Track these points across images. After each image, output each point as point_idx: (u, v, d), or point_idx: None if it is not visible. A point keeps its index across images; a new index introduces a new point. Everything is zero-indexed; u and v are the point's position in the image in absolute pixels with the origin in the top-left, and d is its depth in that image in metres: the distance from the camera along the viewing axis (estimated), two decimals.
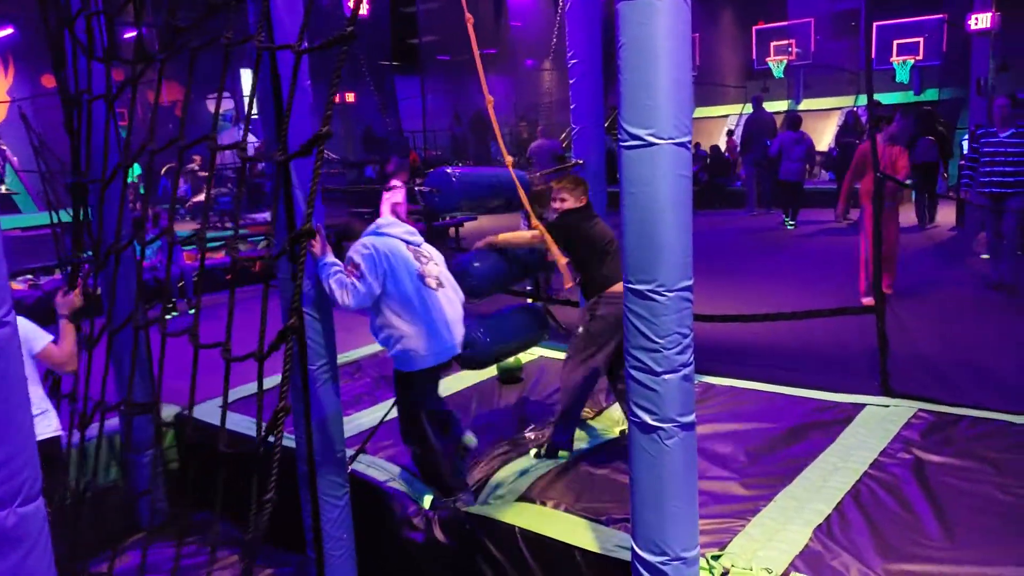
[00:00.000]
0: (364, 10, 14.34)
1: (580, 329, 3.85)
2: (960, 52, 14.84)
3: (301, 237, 2.38)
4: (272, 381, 2.62)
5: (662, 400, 2.39)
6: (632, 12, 2.25)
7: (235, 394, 4.45)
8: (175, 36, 2.86)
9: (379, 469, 3.80)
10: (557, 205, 3.97)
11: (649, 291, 2.33)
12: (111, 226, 3.53)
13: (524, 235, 4.08)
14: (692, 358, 2.44)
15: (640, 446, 2.47)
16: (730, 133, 16.11)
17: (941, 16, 16.76)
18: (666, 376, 2.37)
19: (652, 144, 2.29)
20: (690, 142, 2.37)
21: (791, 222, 11.51)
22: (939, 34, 16.71)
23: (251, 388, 4.32)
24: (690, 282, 2.39)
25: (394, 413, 4.19)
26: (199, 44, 2.73)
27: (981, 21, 10.66)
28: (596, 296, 3.84)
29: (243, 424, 4.17)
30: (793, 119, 11.58)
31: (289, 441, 3.60)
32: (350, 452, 3.70)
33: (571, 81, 4.82)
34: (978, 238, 8.24)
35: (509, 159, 3.93)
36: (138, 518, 4.07)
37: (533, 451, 3.91)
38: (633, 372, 2.43)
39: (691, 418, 2.45)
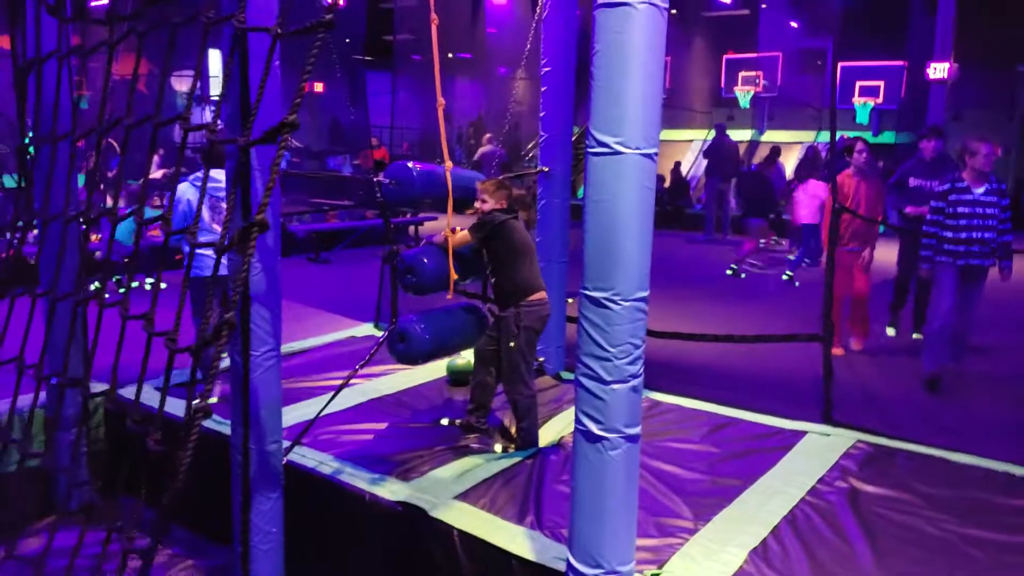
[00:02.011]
0: (341, 0, 14.19)
1: (511, 344, 3.85)
2: (917, 98, 15.33)
3: (252, 229, 2.25)
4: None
5: (609, 409, 2.37)
6: (609, 19, 2.24)
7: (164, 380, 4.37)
8: (147, 8, 2.75)
9: (316, 460, 3.71)
10: (478, 205, 3.97)
11: (605, 299, 2.32)
12: (58, 196, 3.40)
13: (467, 235, 4.01)
14: (642, 370, 2.43)
15: (584, 454, 2.45)
16: (677, 164, 16.45)
17: (902, 63, 17.31)
18: (615, 386, 2.35)
19: (619, 153, 2.28)
20: (656, 155, 2.36)
21: (775, 240, 12.24)
22: (899, 79, 17.26)
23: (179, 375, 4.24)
24: (646, 293, 2.38)
25: (338, 406, 4.13)
26: (178, 21, 2.63)
27: (939, 70, 11.02)
28: (514, 305, 3.86)
29: (173, 407, 4.05)
30: (774, 150, 12.47)
31: (224, 427, 3.51)
32: (287, 443, 3.61)
33: (543, 89, 4.82)
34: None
35: (449, 163, 3.89)
36: (55, 498, 3.91)
37: (499, 447, 3.95)
38: (583, 380, 2.41)
39: (636, 430, 2.44)
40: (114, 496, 3.48)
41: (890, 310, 6.84)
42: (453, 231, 3.95)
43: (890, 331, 6.83)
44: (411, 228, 11.42)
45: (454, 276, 3.86)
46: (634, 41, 2.21)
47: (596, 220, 2.35)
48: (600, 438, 2.39)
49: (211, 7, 2.46)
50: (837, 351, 5.52)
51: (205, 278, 4.33)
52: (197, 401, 2.06)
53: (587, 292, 2.38)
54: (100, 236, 7.68)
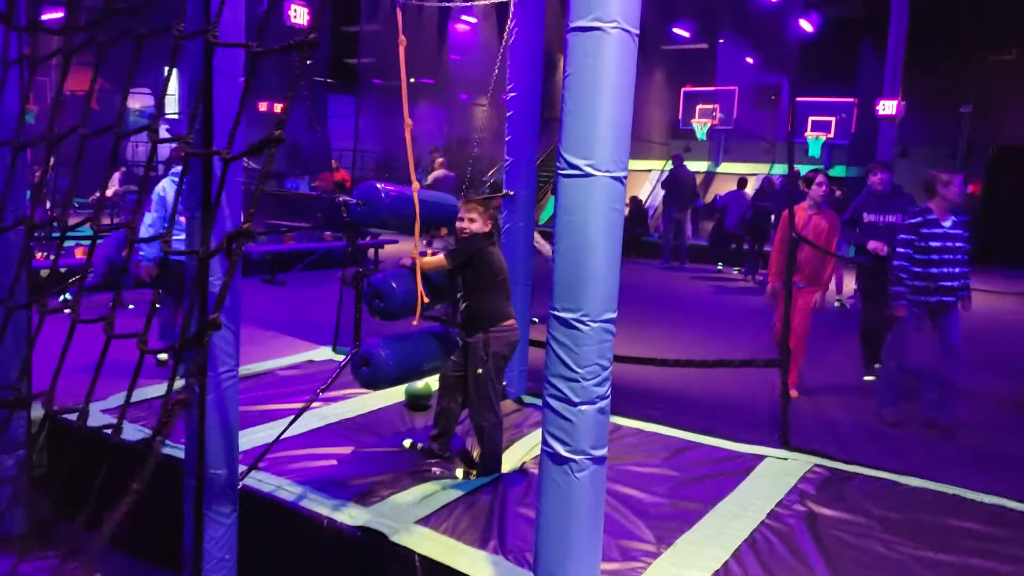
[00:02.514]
0: (304, 21, 14.18)
1: (480, 371, 3.79)
2: (867, 133, 15.85)
3: (240, 236, 2.19)
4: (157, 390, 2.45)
5: (577, 431, 2.36)
6: (581, 43, 2.27)
7: (112, 401, 4.24)
8: (108, 19, 2.70)
9: (273, 485, 3.62)
10: (465, 225, 3.86)
11: (574, 319, 2.32)
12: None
13: (441, 259, 3.95)
14: (609, 391, 2.43)
15: (550, 477, 2.43)
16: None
17: (852, 100, 17.92)
18: (583, 407, 2.35)
19: (589, 175, 2.30)
20: (625, 178, 2.39)
21: (737, 269, 12.71)
22: (850, 116, 17.85)
23: (140, 394, 4.11)
24: (614, 314, 2.39)
25: (297, 430, 4.05)
26: (146, 32, 2.58)
27: (888, 108, 11.42)
28: (483, 331, 3.81)
29: (130, 431, 3.93)
30: (741, 180, 13.00)
31: (177, 450, 3.40)
32: (243, 468, 3.52)
33: (508, 114, 4.86)
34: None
35: (416, 184, 3.88)
36: None
37: (460, 472, 3.88)
38: (550, 401, 2.40)
39: (603, 452, 2.43)
40: (53, 521, 3.35)
41: (865, 361, 6.29)
42: (423, 254, 3.92)
43: (871, 378, 6.06)
44: (370, 251, 11.35)
45: (425, 300, 3.83)
46: (606, 65, 2.24)
47: (565, 241, 2.36)
48: (567, 460, 2.38)
49: (180, 20, 2.42)
50: (794, 393, 5.48)
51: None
52: (183, 396, 2.01)
53: (556, 312, 2.38)
54: (44, 254, 7.49)
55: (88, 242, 2.63)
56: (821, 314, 9.12)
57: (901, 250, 5.08)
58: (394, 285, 3.86)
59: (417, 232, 3.87)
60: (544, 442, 2.45)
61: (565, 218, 2.36)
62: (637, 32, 2.29)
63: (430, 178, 13.22)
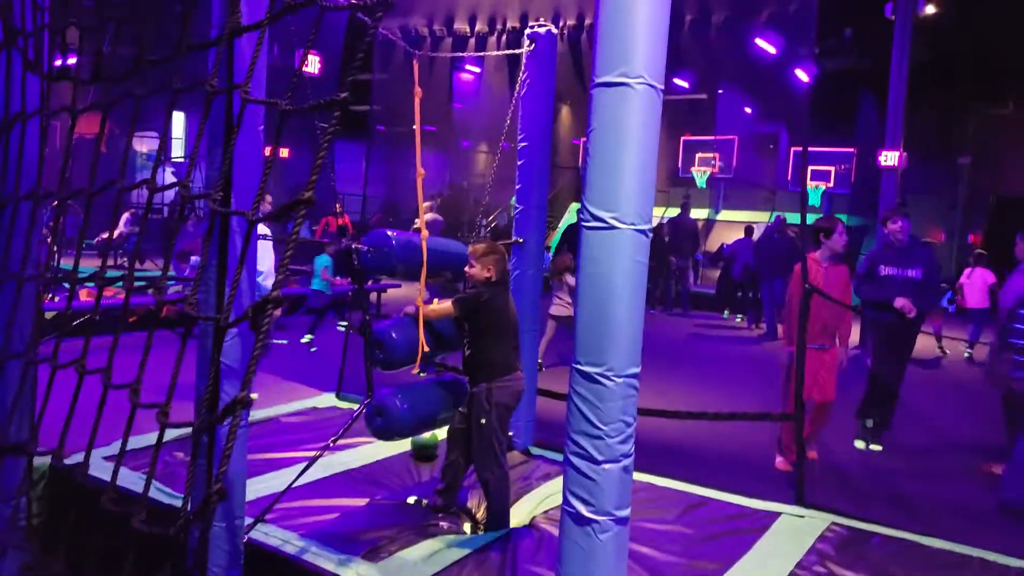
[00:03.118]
0: (316, 70, 14.35)
1: (483, 421, 3.69)
2: (866, 183, 15.97)
3: (268, 304, 2.10)
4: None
5: (600, 491, 2.29)
6: (607, 98, 2.26)
7: (111, 449, 4.15)
8: (145, 70, 2.69)
9: (280, 539, 3.51)
10: (477, 271, 3.78)
11: (598, 374, 2.27)
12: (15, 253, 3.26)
13: (448, 307, 3.86)
14: (632, 449, 2.36)
15: (572, 539, 2.35)
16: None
17: (852, 150, 18.10)
18: (607, 466, 2.29)
19: (614, 227, 2.27)
20: (649, 231, 2.36)
21: (740, 317, 12.62)
22: (849, 165, 18.02)
23: (144, 440, 4.02)
24: (638, 369, 2.35)
25: (301, 480, 3.95)
26: (180, 87, 2.57)
27: (890, 158, 11.53)
28: (486, 381, 3.72)
29: (131, 479, 3.85)
30: (747, 228, 13.02)
31: (174, 500, 3.31)
32: (249, 520, 3.42)
33: (519, 162, 4.87)
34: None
35: (425, 232, 3.85)
36: None
37: (468, 527, 3.78)
38: (572, 459, 2.34)
39: (626, 512, 2.36)
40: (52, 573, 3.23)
41: (860, 419, 5.82)
42: (428, 302, 3.87)
43: (861, 444, 5.77)
44: (372, 295, 11.29)
45: (426, 349, 3.76)
46: (632, 120, 2.23)
47: (589, 294, 2.32)
48: (590, 521, 2.30)
49: (214, 75, 2.41)
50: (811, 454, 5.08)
51: None
52: (218, 486, 1.93)
53: (579, 367, 2.33)
54: (56, 297, 7.43)
55: (120, 284, 2.57)
56: None
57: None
58: (394, 335, 3.79)
59: (423, 280, 3.83)
60: (565, 502, 2.37)
61: (589, 270, 2.32)
62: (662, 87, 2.28)
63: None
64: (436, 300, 3.92)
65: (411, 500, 4.09)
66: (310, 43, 2.39)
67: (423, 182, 4.06)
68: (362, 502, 4.06)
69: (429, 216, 13.65)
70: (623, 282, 2.29)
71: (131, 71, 2.58)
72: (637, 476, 4.59)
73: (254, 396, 1.92)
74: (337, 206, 14.65)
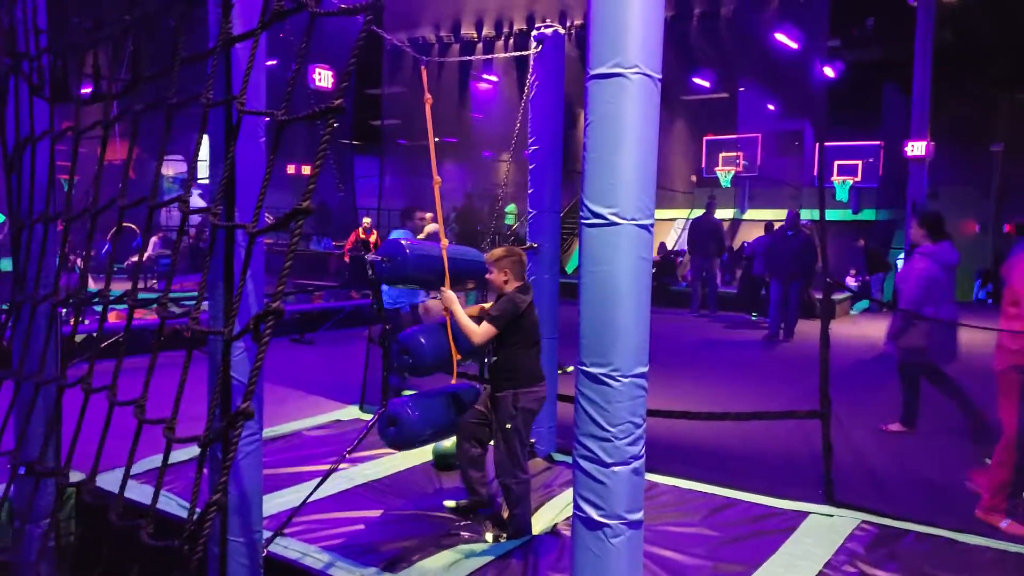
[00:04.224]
0: (329, 84, 14.48)
1: (508, 426, 3.66)
2: (895, 176, 15.67)
3: (268, 316, 2.09)
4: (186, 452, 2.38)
5: (610, 494, 2.24)
6: (602, 90, 2.22)
7: (139, 466, 4.17)
8: (137, 88, 2.70)
9: (299, 552, 3.50)
10: (495, 276, 3.72)
11: (604, 375, 2.22)
12: (32, 276, 3.30)
13: (489, 329, 3.69)
14: (643, 451, 2.31)
15: (583, 544, 2.30)
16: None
17: (879, 142, 17.80)
18: (616, 468, 2.23)
19: (614, 224, 2.22)
20: (652, 225, 2.31)
21: (754, 315, 12.46)
22: (877, 158, 17.70)
23: (156, 460, 4.04)
24: (645, 368, 2.29)
25: (323, 493, 3.95)
26: (176, 102, 2.58)
27: (916, 148, 11.28)
28: (514, 388, 3.67)
29: (148, 496, 3.85)
30: (768, 226, 13.00)
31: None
32: (267, 534, 3.42)
33: (531, 167, 4.84)
34: None
35: (445, 241, 3.83)
36: None
37: (490, 536, 3.73)
38: (581, 462, 2.29)
39: (639, 515, 2.30)
40: None
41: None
42: (484, 313, 3.77)
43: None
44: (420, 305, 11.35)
45: (457, 357, 3.74)
46: (628, 111, 2.18)
47: (592, 293, 2.27)
48: (601, 525, 2.25)
49: (208, 88, 2.41)
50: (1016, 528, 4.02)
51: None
52: (217, 497, 1.92)
53: (584, 368, 2.28)
54: (87, 320, 7.52)
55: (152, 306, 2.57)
56: (856, 358, 8.93)
57: None
58: (422, 340, 3.78)
59: (447, 284, 3.82)
60: (576, 506, 2.32)
61: (591, 269, 2.27)
62: (659, 77, 2.23)
63: (423, 233, 13.38)
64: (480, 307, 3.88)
65: (449, 504, 4.06)
66: (303, 50, 2.37)
67: (440, 191, 4.05)
68: (383, 513, 4.04)
69: (432, 227, 13.83)
70: (627, 279, 2.25)
71: (129, 88, 2.60)
72: (662, 479, 4.55)
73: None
74: (366, 220, 14.77)
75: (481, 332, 3.65)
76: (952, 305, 5.53)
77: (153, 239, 14.76)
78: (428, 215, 13.93)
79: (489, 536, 3.77)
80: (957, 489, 4.63)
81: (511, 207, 20.42)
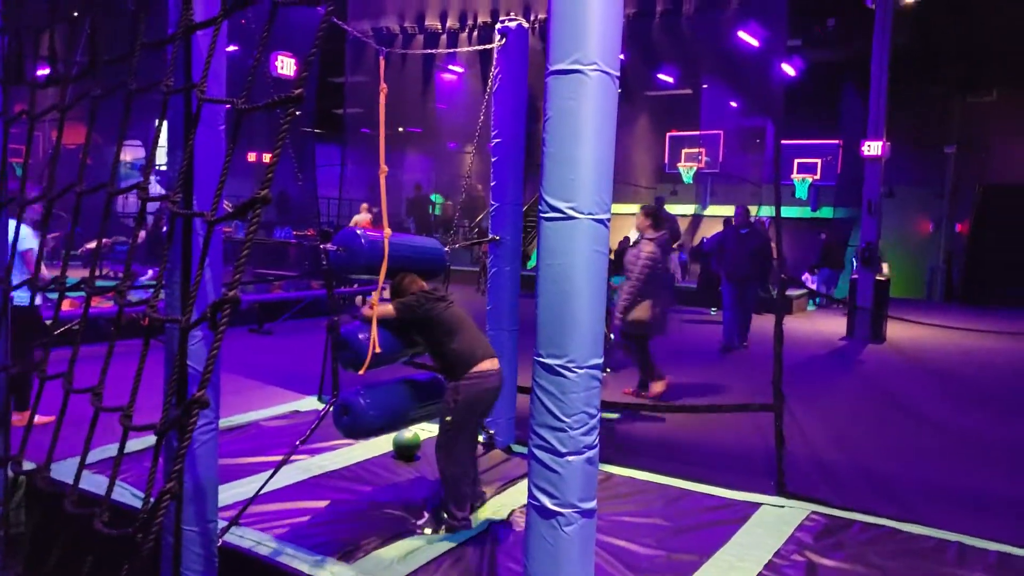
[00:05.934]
0: (291, 72, 14.30)
1: (447, 419, 3.70)
2: (852, 175, 15.97)
3: (225, 304, 2.08)
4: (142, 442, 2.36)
5: (564, 483, 2.28)
6: (561, 85, 2.25)
7: (93, 455, 4.12)
8: (98, 72, 2.65)
9: (254, 541, 3.49)
10: (407, 284, 3.88)
11: (559, 366, 2.25)
12: None
13: (389, 309, 3.82)
14: (597, 441, 2.35)
15: (537, 532, 2.33)
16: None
17: (837, 141, 18.12)
18: (570, 458, 2.27)
19: (572, 218, 2.25)
20: (609, 220, 2.35)
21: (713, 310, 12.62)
22: (835, 157, 18.03)
23: (110, 450, 3.99)
24: (600, 360, 2.33)
25: (280, 483, 3.93)
26: (136, 88, 2.54)
27: (873, 148, 11.49)
28: (454, 380, 3.72)
29: (104, 487, 3.80)
30: (727, 222, 12.89)
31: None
32: (222, 523, 3.39)
33: (493, 159, 4.85)
34: None
35: (388, 231, 3.82)
36: None
37: (428, 531, 3.71)
38: (536, 452, 2.32)
39: (592, 504, 2.34)
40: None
41: None
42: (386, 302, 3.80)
43: None
44: (359, 298, 11.26)
45: (377, 350, 3.73)
46: (586, 107, 2.21)
47: (548, 285, 2.30)
48: (554, 513, 2.29)
49: (169, 75, 2.39)
50: None
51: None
52: (171, 485, 1.91)
53: (540, 359, 2.32)
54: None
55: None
56: (808, 352, 9.12)
57: None
58: (361, 336, 3.76)
59: (381, 279, 3.81)
60: (530, 495, 2.36)
61: (548, 262, 2.30)
62: (617, 74, 2.27)
63: (353, 222, 13.42)
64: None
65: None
66: (264, 39, 2.35)
67: (387, 180, 4.03)
68: (340, 504, 4.04)
69: (358, 217, 13.98)
70: (583, 273, 2.28)
71: (86, 71, 2.55)
72: (617, 470, 4.62)
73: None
74: (363, 206, 14.57)
75: (383, 310, 3.75)
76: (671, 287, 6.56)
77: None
78: (364, 205, 13.95)
79: (427, 530, 3.73)
80: (904, 480, 4.79)
81: (436, 196, 20.34)
